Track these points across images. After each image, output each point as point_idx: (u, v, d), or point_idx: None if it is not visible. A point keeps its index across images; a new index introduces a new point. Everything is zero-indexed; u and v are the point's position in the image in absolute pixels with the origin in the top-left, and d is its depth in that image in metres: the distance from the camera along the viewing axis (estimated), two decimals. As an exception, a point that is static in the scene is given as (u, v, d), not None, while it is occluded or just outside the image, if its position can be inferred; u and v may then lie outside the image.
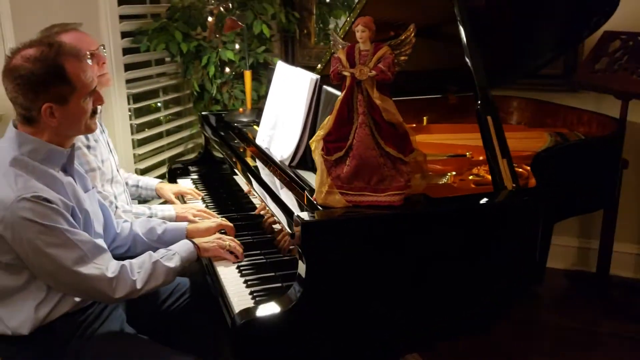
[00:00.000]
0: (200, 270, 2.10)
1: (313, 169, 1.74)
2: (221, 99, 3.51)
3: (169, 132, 3.79)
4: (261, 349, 1.59)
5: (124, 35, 3.33)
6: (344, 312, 1.63)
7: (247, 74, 2.97)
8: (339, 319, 1.63)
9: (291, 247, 1.92)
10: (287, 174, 1.99)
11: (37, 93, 1.64)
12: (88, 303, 1.82)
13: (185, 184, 2.76)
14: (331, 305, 1.61)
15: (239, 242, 2.03)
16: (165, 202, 2.61)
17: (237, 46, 3.41)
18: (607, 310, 3.21)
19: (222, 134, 2.68)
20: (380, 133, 1.61)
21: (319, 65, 2.59)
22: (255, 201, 2.34)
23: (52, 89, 1.64)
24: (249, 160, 2.27)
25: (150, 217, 2.27)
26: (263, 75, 3.49)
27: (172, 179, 2.85)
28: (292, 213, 1.68)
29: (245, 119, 2.76)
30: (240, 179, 2.48)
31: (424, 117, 3.02)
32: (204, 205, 2.53)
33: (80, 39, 2.15)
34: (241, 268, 1.93)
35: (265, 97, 2.42)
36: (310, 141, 1.71)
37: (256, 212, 2.28)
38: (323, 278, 1.58)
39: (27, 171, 1.65)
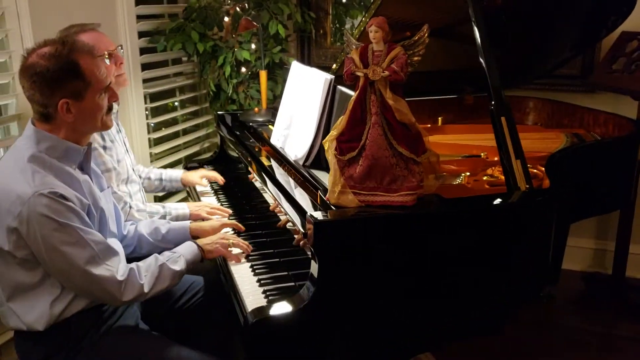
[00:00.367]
0: (214, 269, 2.12)
1: (327, 169, 1.75)
2: (237, 99, 3.53)
3: (185, 132, 3.82)
4: (273, 347, 1.60)
5: (141, 35, 3.36)
6: (355, 312, 1.63)
7: (263, 74, 2.98)
8: (350, 319, 1.64)
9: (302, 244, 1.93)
10: (301, 174, 2.00)
11: (53, 89, 1.66)
12: (102, 300, 1.84)
13: (204, 181, 2.77)
14: (343, 304, 1.61)
15: (245, 242, 2.04)
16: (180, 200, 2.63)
17: (253, 46, 3.43)
18: (622, 312, 3.19)
19: (238, 133, 2.69)
20: (392, 133, 1.61)
21: (334, 65, 2.60)
22: (271, 200, 2.35)
23: (67, 84, 1.67)
24: (263, 159, 2.29)
25: (165, 215, 2.29)
26: (279, 75, 3.50)
27: (188, 179, 2.87)
28: (306, 212, 1.69)
29: (260, 119, 2.77)
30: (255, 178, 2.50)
31: (439, 118, 3.02)
32: (218, 203, 2.54)
33: (98, 39, 2.17)
34: (254, 267, 1.95)
35: (280, 96, 2.44)
36: (324, 141, 1.72)
37: (271, 207, 2.30)
38: (335, 277, 1.58)
39: (44, 168, 1.67)
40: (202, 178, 2.67)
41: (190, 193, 2.75)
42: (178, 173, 2.65)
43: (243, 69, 3.48)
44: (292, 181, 2.00)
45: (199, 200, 2.59)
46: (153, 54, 3.44)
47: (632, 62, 2.96)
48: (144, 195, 2.47)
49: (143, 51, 3.38)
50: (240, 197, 2.57)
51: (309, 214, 1.60)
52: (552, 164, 2.05)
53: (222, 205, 2.50)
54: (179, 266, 1.83)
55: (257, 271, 1.92)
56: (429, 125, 2.94)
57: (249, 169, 2.36)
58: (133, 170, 2.39)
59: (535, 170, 2.21)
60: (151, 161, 3.48)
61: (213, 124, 3.76)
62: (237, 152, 2.55)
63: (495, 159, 2.27)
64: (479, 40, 1.90)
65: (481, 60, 1.89)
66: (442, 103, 3.01)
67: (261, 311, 1.59)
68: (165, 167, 3.55)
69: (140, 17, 3.32)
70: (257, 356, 1.61)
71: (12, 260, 1.69)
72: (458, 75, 2.75)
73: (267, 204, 2.34)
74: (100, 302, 1.82)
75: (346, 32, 1.79)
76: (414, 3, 2.34)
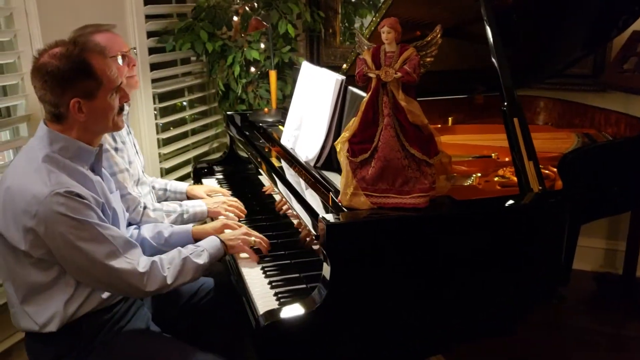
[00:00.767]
0: (224, 270, 2.11)
1: (338, 170, 1.74)
2: (246, 99, 3.52)
3: (194, 132, 3.82)
4: (285, 349, 1.60)
5: (150, 34, 3.35)
6: (367, 314, 1.63)
7: (272, 74, 2.98)
8: (362, 321, 1.63)
9: (314, 247, 1.92)
10: (312, 175, 1.99)
11: (64, 89, 1.67)
12: (115, 301, 1.84)
13: (210, 184, 2.77)
14: (355, 307, 1.61)
15: (266, 239, 2.04)
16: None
17: (262, 45, 3.42)
18: (633, 313, 3.17)
19: (247, 133, 2.69)
20: (405, 135, 1.60)
21: (345, 65, 2.59)
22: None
23: (78, 84, 1.67)
24: (274, 160, 2.28)
25: (182, 213, 2.28)
26: (288, 74, 3.49)
27: (197, 179, 2.87)
28: (317, 214, 1.68)
29: (270, 119, 2.76)
30: (265, 179, 2.49)
31: (450, 118, 3.00)
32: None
33: (112, 39, 2.18)
34: (265, 269, 1.94)
35: (290, 97, 2.43)
36: (336, 143, 1.71)
37: (276, 204, 2.30)
38: (347, 280, 1.58)
39: (58, 168, 1.68)
40: (208, 193, 2.63)
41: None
42: (183, 185, 2.62)
43: (252, 69, 3.47)
44: (302, 182, 1.99)
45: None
46: (162, 54, 3.44)
47: (644, 62, 2.94)
48: (154, 197, 2.47)
49: (152, 51, 3.38)
50: (250, 197, 2.56)
51: (321, 216, 1.59)
52: (565, 164, 2.03)
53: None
54: (202, 260, 1.84)
55: (268, 273, 1.92)
56: (439, 126, 2.92)
57: (259, 169, 2.35)
58: (142, 172, 2.39)
59: (546, 171, 2.20)
60: (160, 161, 3.47)
61: (222, 124, 3.75)
62: (247, 153, 2.55)
63: (507, 159, 2.26)
64: (490, 39, 1.88)
65: (493, 60, 1.87)
66: (452, 103, 3.00)
67: (273, 314, 1.58)
68: (174, 167, 3.57)
69: (149, 17, 3.32)
70: (268, 358, 1.60)
71: (27, 261, 1.69)
72: (469, 75, 2.74)
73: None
74: (124, 295, 1.84)
75: (357, 33, 1.77)
76: (425, 3, 2.32)
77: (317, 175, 1.97)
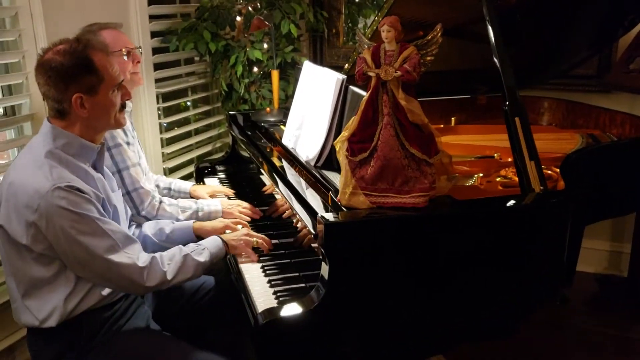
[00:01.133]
0: (225, 269, 2.11)
1: (338, 170, 1.74)
2: (249, 99, 3.52)
3: (197, 131, 3.83)
4: (283, 348, 1.59)
5: (154, 34, 3.37)
6: (366, 314, 1.62)
7: (275, 74, 2.97)
8: (361, 320, 1.63)
9: (313, 245, 1.92)
10: (313, 175, 1.98)
11: (67, 84, 1.69)
12: (115, 298, 1.85)
13: (213, 183, 2.77)
14: (353, 306, 1.60)
15: (268, 239, 2.05)
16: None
17: (265, 45, 3.42)
18: (638, 315, 3.14)
19: (249, 133, 2.69)
20: (405, 134, 1.60)
21: (347, 65, 2.59)
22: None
23: (81, 79, 1.70)
24: (275, 160, 2.28)
25: (197, 211, 2.28)
26: (291, 74, 3.49)
27: (199, 178, 2.87)
28: (317, 214, 1.68)
29: (272, 119, 2.76)
30: (266, 179, 2.49)
31: (452, 118, 2.99)
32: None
33: (118, 36, 2.24)
34: (265, 268, 1.94)
35: (292, 96, 2.42)
36: (335, 142, 1.70)
37: (275, 205, 2.29)
38: (346, 279, 1.57)
39: (60, 163, 1.71)
40: (211, 194, 2.63)
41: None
42: (187, 185, 2.63)
43: (255, 69, 3.47)
44: (303, 182, 1.99)
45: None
46: (165, 54, 3.45)
47: (650, 62, 2.92)
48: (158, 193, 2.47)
49: (155, 51, 3.39)
50: (252, 197, 2.56)
51: (319, 215, 1.59)
52: (568, 165, 2.02)
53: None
54: (203, 258, 1.86)
55: (267, 272, 1.91)
56: (442, 126, 2.91)
57: (261, 169, 2.35)
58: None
59: (549, 172, 2.18)
60: (163, 161, 3.48)
61: (225, 123, 3.75)
62: (248, 153, 2.55)
63: (509, 159, 2.25)
64: (492, 39, 1.87)
65: (495, 60, 1.86)
66: (455, 103, 2.99)
67: (272, 312, 1.58)
68: (177, 166, 3.57)
69: (152, 17, 3.33)
70: (267, 357, 1.60)
71: (29, 256, 1.71)
72: (471, 75, 2.73)
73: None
74: (123, 291, 1.84)
75: (358, 32, 1.77)
76: (427, 2, 2.32)
77: (317, 174, 1.96)
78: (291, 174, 2.09)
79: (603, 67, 3.22)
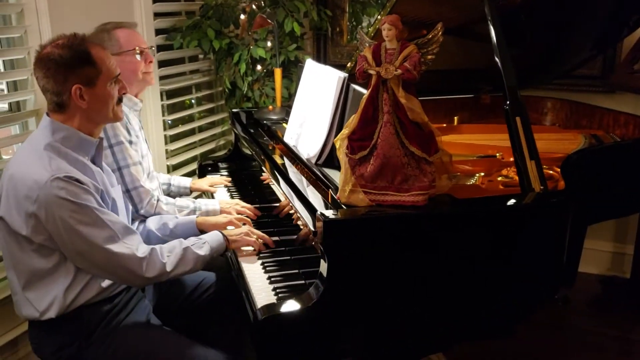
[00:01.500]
0: (226, 265, 2.12)
1: (339, 168, 1.74)
2: (252, 96, 3.52)
3: (201, 129, 3.83)
4: (282, 344, 1.60)
5: (158, 32, 3.37)
6: (364, 311, 1.63)
7: (278, 72, 2.98)
8: (359, 318, 1.63)
9: (314, 243, 1.92)
10: (313, 172, 1.99)
11: (66, 75, 1.72)
12: (115, 292, 1.86)
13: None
14: (352, 303, 1.61)
15: (269, 238, 2.05)
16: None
17: (268, 44, 3.43)
18: (640, 316, 3.15)
19: (252, 131, 2.69)
20: (404, 132, 1.60)
21: (349, 64, 2.59)
22: (282, 198, 2.35)
23: (80, 71, 1.73)
24: (276, 157, 2.28)
25: (194, 210, 2.29)
26: (294, 72, 3.49)
27: (202, 175, 2.88)
28: (316, 211, 1.68)
29: (274, 117, 2.77)
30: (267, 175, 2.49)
31: (455, 117, 2.99)
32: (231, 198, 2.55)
33: (131, 35, 2.27)
34: (265, 264, 1.94)
35: (295, 94, 2.43)
36: (335, 139, 1.71)
37: (279, 206, 2.30)
38: (344, 276, 1.57)
39: (59, 155, 1.73)
40: (211, 185, 2.68)
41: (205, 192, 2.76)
42: (187, 180, 2.65)
43: (258, 67, 3.48)
44: (304, 180, 1.99)
45: (213, 198, 2.59)
46: (170, 52, 3.46)
47: (654, 63, 2.92)
48: (161, 192, 2.48)
49: (160, 48, 3.39)
50: (253, 194, 2.57)
51: (319, 212, 1.59)
52: (569, 165, 2.02)
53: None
54: (203, 251, 1.87)
55: (267, 268, 1.92)
56: (445, 125, 2.91)
57: (263, 167, 2.35)
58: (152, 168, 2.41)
59: (551, 172, 2.18)
60: (167, 158, 3.49)
61: (228, 121, 3.76)
62: (250, 150, 2.55)
63: (511, 159, 2.24)
64: (494, 38, 1.87)
65: (496, 59, 1.86)
66: (458, 102, 2.99)
67: (270, 308, 1.59)
68: (180, 163, 3.58)
69: (157, 15, 3.33)
70: (266, 353, 1.61)
71: (29, 247, 1.73)
72: (475, 74, 2.72)
73: (279, 202, 2.34)
74: (123, 282, 1.85)
75: (359, 30, 1.77)
76: (430, 1, 2.32)
77: (318, 172, 1.97)
78: (292, 172, 2.10)
79: (607, 68, 3.22)
